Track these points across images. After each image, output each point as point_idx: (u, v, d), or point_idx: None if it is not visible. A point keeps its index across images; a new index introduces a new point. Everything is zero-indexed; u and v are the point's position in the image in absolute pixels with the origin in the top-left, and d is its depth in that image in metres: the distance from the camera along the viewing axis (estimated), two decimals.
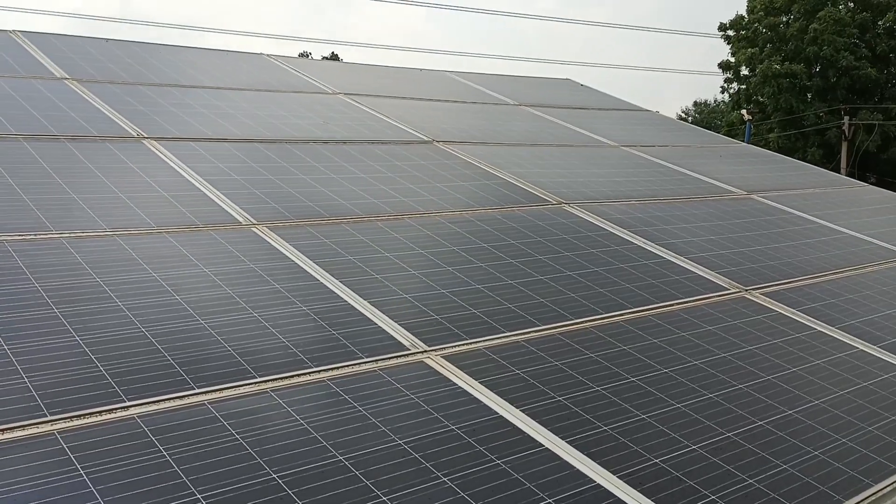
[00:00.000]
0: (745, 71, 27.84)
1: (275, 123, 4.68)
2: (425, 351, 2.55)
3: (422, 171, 4.42)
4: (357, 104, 5.55)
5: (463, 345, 2.63)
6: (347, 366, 2.37)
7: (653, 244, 3.98)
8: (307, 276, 2.90)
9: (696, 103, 63.36)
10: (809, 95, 26.44)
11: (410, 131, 5.17)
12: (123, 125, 4.01)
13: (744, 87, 27.98)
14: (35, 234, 2.77)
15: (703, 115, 59.88)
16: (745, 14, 28.03)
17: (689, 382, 2.68)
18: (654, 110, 8.23)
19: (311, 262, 3.02)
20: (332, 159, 4.27)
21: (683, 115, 64.44)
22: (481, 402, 2.32)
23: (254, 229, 3.20)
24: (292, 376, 2.25)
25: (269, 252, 3.03)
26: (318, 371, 2.31)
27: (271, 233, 3.20)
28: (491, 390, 2.39)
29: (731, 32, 28.43)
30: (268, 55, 6.35)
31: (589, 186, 4.80)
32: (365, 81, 6.39)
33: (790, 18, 26.76)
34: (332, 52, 53.84)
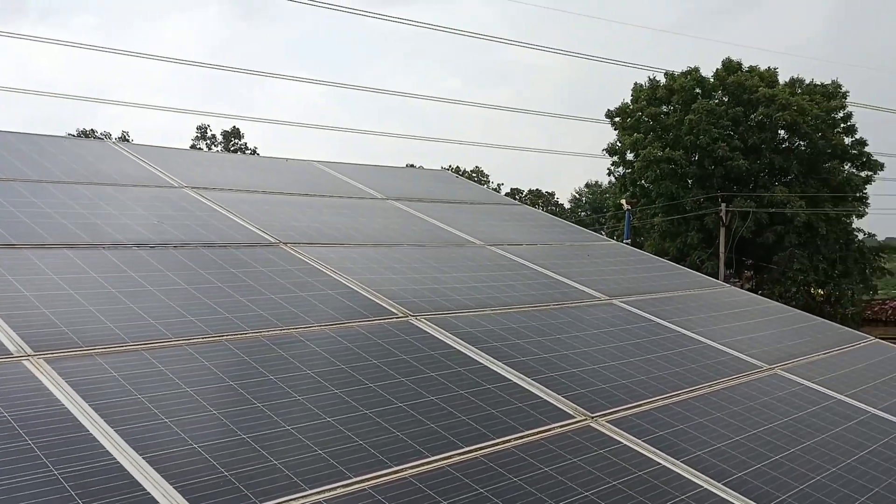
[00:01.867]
0: (629, 156, 28.99)
1: (98, 224, 4.24)
2: None
3: (257, 279, 4.06)
4: (203, 199, 5.18)
5: None
6: None
7: (500, 363, 3.73)
8: (75, 425, 2.47)
9: (587, 185, 65.83)
10: (690, 182, 27.68)
11: (257, 231, 4.82)
12: None
13: (629, 171, 29.08)
14: None
15: (595, 196, 62.16)
16: (629, 102, 29.38)
17: None
18: (550, 192, 8.19)
19: (85, 404, 2.59)
20: (153, 267, 3.86)
21: (577, 195, 66.73)
22: None
23: (24, 362, 2.75)
24: None
25: (34, 393, 2.58)
26: None
27: (46, 366, 2.75)
28: None
29: (617, 119, 29.68)
30: (112, 142, 5.92)
31: (443, 294, 4.55)
32: (219, 172, 6.03)
33: (670, 109, 28.19)
34: (234, 127, 53.24)
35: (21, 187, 4.47)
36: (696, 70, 28.10)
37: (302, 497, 2.37)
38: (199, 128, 52.62)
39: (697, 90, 27.52)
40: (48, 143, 5.44)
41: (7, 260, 3.51)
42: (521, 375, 3.65)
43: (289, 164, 7.00)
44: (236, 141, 50.27)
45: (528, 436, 3.10)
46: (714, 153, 25.80)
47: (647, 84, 28.82)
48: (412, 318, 4.07)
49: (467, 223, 6.43)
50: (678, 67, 28.32)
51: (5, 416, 2.42)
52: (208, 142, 50.67)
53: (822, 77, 33.54)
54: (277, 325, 3.58)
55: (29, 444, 2.32)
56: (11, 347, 2.82)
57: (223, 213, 5.02)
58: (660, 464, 3.11)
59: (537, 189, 63.77)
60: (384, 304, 4.16)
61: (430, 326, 4.00)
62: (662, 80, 28.19)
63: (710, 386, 4.08)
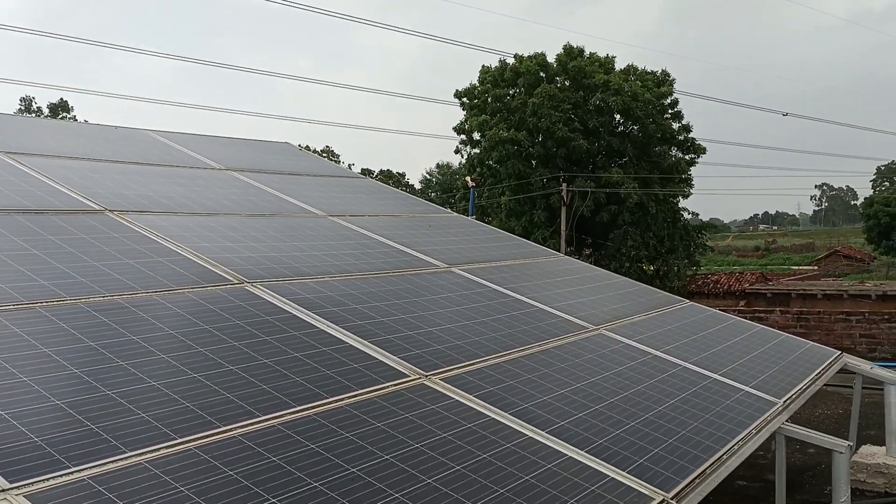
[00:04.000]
0: (477, 136, 29.63)
1: None
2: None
3: (79, 247, 3.84)
4: (18, 165, 4.82)
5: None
6: None
7: (337, 327, 3.74)
8: None
9: (438, 165, 66.62)
10: (535, 162, 28.68)
11: (78, 198, 4.55)
12: None
13: (476, 151, 29.73)
14: None
15: (445, 177, 63.01)
16: (477, 84, 29.96)
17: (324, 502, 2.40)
18: (401, 172, 8.20)
19: None
20: None
21: (428, 176, 67.38)
22: None
23: None
24: None
25: None
26: None
27: None
28: None
29: (465, 100, 30.20)
30: None
31: (281, 262, 4.49)
32: (38, 138, 5.63)
33: (516, 91, 29.02)
34: (61, 99, 49.53)
35: None
36: (542, 55, 29.08)
37: (122, 459, 2.29)
38: (22, 99, 48.66)
39: (542, 74, 28.49)
40: None
41: None
42: (358, 338, 3.68)
43: (119, 131, 6.64)
44: (65, 115, 46.91)
45: (361, 394, 3.13)
46: (555, 135, 26.86)
47: (496, 67, 29.49)
48: (248, 284, 3.99)
49: (309, 194, 6.36)
50: (525, 52, 29.18)
51: None
52: (34, 115, 47.00)
53: (654, 66, 35.63)
54: (100, 293, 3.41)
55: None
56: None
57: (41, 179, 4.70)
58: (488, 416, 3.24)
59: (388, 169, 63.86)
60: (218, 272, 4.05)
61: (266, 293, 3.95)
62: (512, 62, 28.93)
63: (540, 346, 4.28)
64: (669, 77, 29.01)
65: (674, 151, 29.27)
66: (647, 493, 2.92)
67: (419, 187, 64.53)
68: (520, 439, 3.11)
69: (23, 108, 46.95)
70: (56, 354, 2.80)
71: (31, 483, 2.08)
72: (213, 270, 4.06)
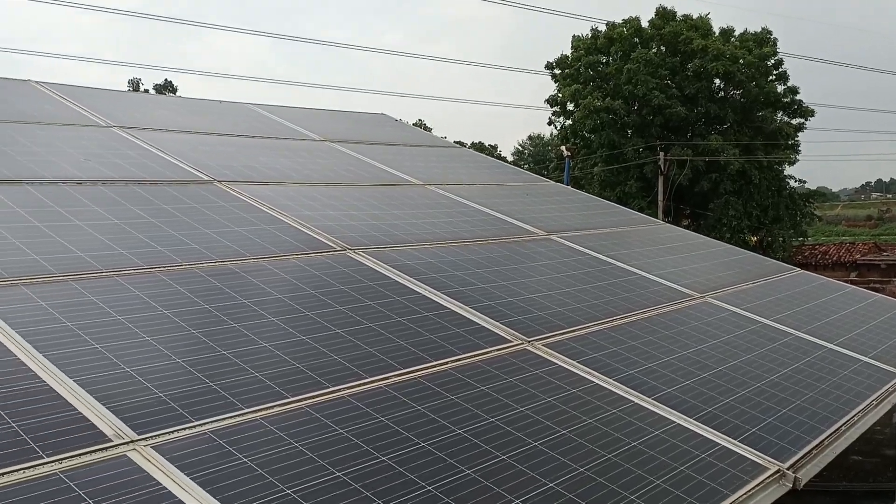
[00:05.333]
0: (570, 106, 29.10)
1: (19, 160, 4.09)
2: (195, 424, 2.14)
3: (191, 216, 3.99)
4: (132, 139, 5.03)
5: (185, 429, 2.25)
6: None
7: (438, 293, 3.76)
8: (2, 350, 2.41)
9: (530, 137, 65.96)
10: (630, 132, 27.98)
11: (189, 170, 4.72)
12: None
13: (569, 121, 29.22)
14: None
15: (538, 148, 62.37)
16: (568, 54, 29.38)
17: (432, 464, 2.42)
18: (493, 144, 8.18)
19: (14, 332, 2.52)
20: (82, 203, 3.76)
21: (520, 147, 66.85)
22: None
23: None
24: None
25: None
26: None
27: None
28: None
29: (557, 70, 29.68)
30: (35, 82, 5.68)
31: (381, 230, 4.54)
32: (150, 113, 5.86)
33: (609, 59, 28.31)
34: (166, 80, 51.51)
35: None
36: (636, 20, 28.21)
37: (240, 415, 2.38)
38: (130, 81, 50.85)
39: (636, 40, 27.64)
40: None
41: None
42: (459, 304, 3.69)
43: (223, 106, 6.84)
44: (169, 95, 48.79)
45: (465, 358, 3.14)
46: (651, 102, 26.08)
47: (588, 35, 28.82)
48: (350, 251, 4.06)
49: (406, 164, 6.40)
50: (619, 19, 28.38)
51: None
52: None
53: (751, 26, 34.00)
54: (212, 259, 3.54)
55: None
56: None
57: (154, 152, 4.89)
58: (593, 382, 3.20)
59: (480, 142, 63.64)
60: (322, 239, 4.13)
61: (367, 259, 4.00)
62: (604, 29, 28.22)
63: (643, 313, 4.19)
64: (771, 36, 27.61)
65: (779, 115, 27.94)
66: (761, 462, 2.82)
67: (511, 159, 64.13)
68: (626, 405, 3.06)
69: (131, 89, 49.07)
70: (175, 316, 2.92)
71: (158, 435, 2.18)
72: (317, 238, 4.14)
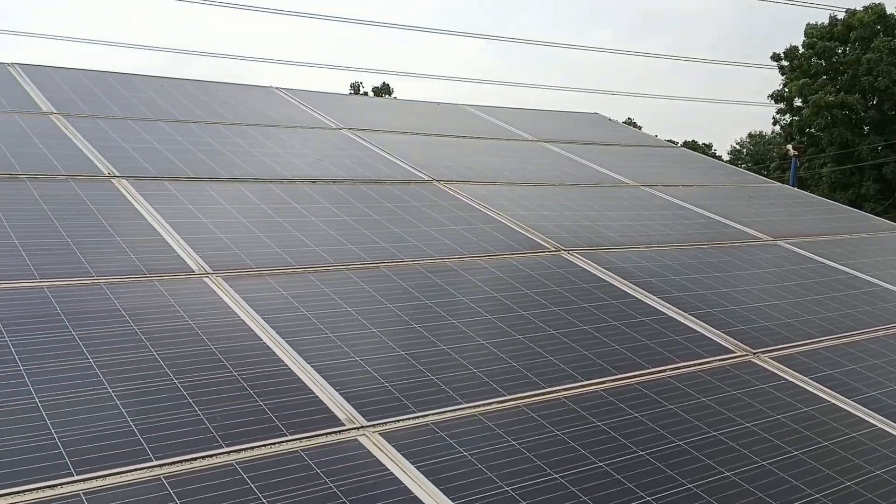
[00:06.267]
0: (798, 102, 27.09)
1: (264, 161, 4.49)
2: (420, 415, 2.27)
3: (413, 214, 4.17)
4: (359, 140, 5.35)
5: (409, 419, 2.35)
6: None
7: (654, 297, 3.65)
8: (250, 335, 2.65)
9: (750, 135, 62.16)
10: (866, 129, 25.54)
11: (410, 169, 4.93)
12: (97, 163, 3.86)
13: (796, 118, 27.20)
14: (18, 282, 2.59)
15: (759, 147, 58.64)
16: (798, 45, 27.34)
17: (651, 475, 2.34)
18: (706, 143, 7.86)
19: (260, 318, 2.77)
20: (315, 201, 4.05)
21: (738, 146, 63.22)
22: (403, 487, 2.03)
23: (205, 279, 2.98)
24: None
25: (215, 306, 2.79)
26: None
27: (224, 283, 2.97)
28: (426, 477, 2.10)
29: (784, 63, 27.75)
30: (276, 88, 6.21)
31: (595, 231, 4.48)
32: (374, 116, 6.19)
33: (846, 48, 26.00)
34: (383, 83, 54.34)
35: (196, 128, 4.79)
36: (880, 6, 25.65)
37: (459, 409, 2.45)
38: (351, 85, 54.19)
39: (879, 27, 25.13)
40: (216, 89, 5.78)
41: (188, 191, 3.79)
42: (677, 310, 3.55)
43: (440, 107, 7.08)
44: (391, 98, 51.39)
45: (684, 367, 3.02)
46: (894, 96, 23.61)
47: (825, 23, 26.63)
48: (564, 252, 4.04)
49: (620, 164, 6.27)
50: (860, 6, 25.93)
51: (190, 325, 2.64)
52: None
53: None
54: (433, 256, 3.67)
55: (211, 348, 2.52)
56: (194, 266, 3.06)
57: (379, 152, 5.16)
58: (828, 401, 2.95)
59: (692, 141, 60.96)
60: (536, 239, 4.15)
61: (581, 260, 3.96)
62: (843, 16, 25.94)
63: (886, 329, 3.80)
64: None
65: None
66: None
67: (726, 159, 60.83)
68: (868, 429, 2.79)
69: (352, 92, 52.24)
70: (398, 310, 3.06)
71: (385, 423, 2.30)
72: (531, 238, 4.17)
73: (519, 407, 2.53)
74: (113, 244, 3.10)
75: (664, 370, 2.96)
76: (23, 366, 2.22)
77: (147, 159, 4.07)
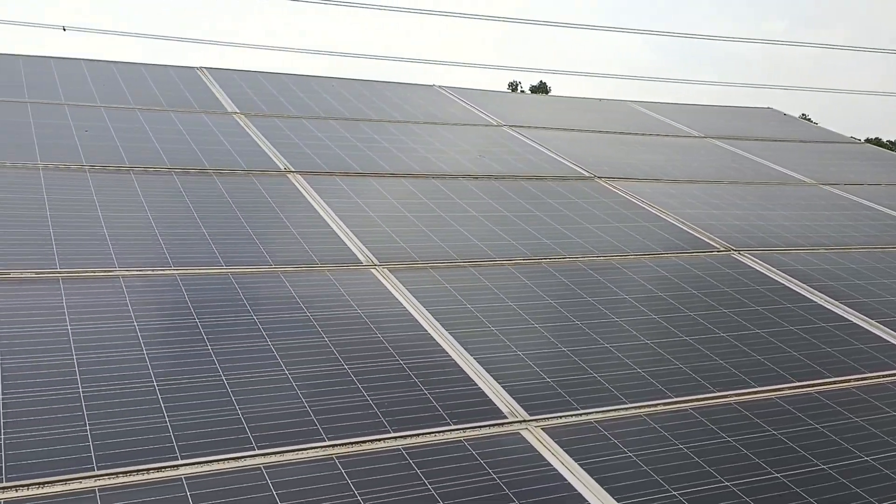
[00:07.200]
0: None
1: (428, 157, 4.58)
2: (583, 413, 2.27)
3: (574, 210, 4.11)
4: (520, 136, 5.35)
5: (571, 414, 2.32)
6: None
7: (836, 302, 3.40)
8: (415, 325, 2.72)
9: None
10: None
11: (571, 166, 4.88)
12: (274, 159, 4.09)
13: None
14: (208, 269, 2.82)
15: None
16: None
17: (832, 491, 2.17)
18: (892, 141, 7.27)
19: (425, 311, 2.83)
20: (477, 196, 4.09)
21: None
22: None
23: (372, 270, 3.08)
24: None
25: (382, 297, 2.88)
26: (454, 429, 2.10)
27: (390, 275, 3.05)
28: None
29: None
30: (439, 87, 6.33)
31: (769, 231, 4.23)
32: (535, 112, 6.17)
33: None
34: (541, 81, 54.19)
35: (364, 125, 4.97)
36: None
37: (623, 408, 2.39)
38: (510, 84, 54.43)
39: None
40: (383, 88, 5.97)
41: (356, 186, 3.94)
42: (863, 316, 3.29)
43: (602, 104, 6.95)
44: (549, 95, 51.10)
45: (872, 378, 2.79)
46: None
47: None
48: (734, 252, 3.85)
49: (796, 161, 5.89)
50: None
51: (359, 313, 2.74)
52: None
53: None
54: (594, 253, 3.61)
55: (378, 337, 2.60)
56: (362, 258, 3.18)
57: (540, 148, 5.14)
58: None
59: (876, 138, 56.39)
60: (703, 238, 3.98)
61: (754, 261, 3.76)
62: None
63: None
64: None
65: None
66: None
67: None
68: None
69: (511, 90, 52.45)
70: (560, 306, 3.03)
71: (547, 418, 2.28)
72: (698, 237, 4.00)
73: (687, 410, 2.43)
74: (288, 235, 3.28)
75: (848, 380, 2.75)
76: (211, 346, 2.39)
77: (319, 155, 4.27)
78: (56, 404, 2.01)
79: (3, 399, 1.99)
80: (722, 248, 3.88)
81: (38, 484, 1.73)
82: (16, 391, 2.03)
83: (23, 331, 2.30)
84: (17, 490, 1.70)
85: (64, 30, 17.70)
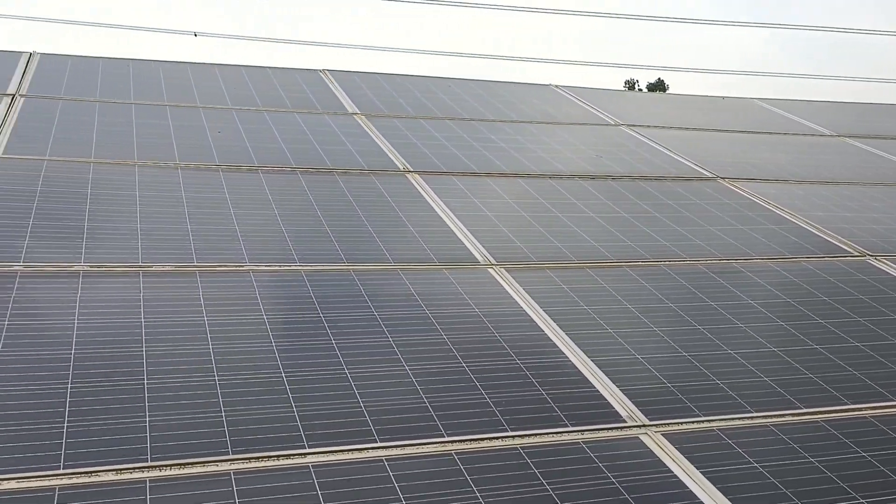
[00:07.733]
0: None
1: (544, 157, 4.57)
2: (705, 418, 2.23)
3: (695, 211, 4.00)
4: (638, 136, 5.24)
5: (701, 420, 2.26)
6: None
7: None
8: (532, 325, 2.72)
9: None
10: None
11: (692, 166, 4.74)
12: (393, 159, 4.18)
13: None
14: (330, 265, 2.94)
15: None
16: None
17: None
18: None
19: (542, 311, 2.83)
20: (594, 196, 4.04)
21: None
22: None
23: (489, 270, 3.10)
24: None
25: (499, 296, 2.90)
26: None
27: (507, 275, 3.07)
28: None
29: None
30: (555, 86, 6.28)
31: None
32: (654, 111, 6.04)
33: None
34: (658, 78, 52.85)
35: (480, 125, 5.01)
36: None
37: (748, 417, 2.31)
38: (626, 82, 53.32)
39: None
40: (499, 88, 5.98)
41: (472, 185, 3.97)
42: None
43: (725, 102, 6.72)
44: (668, 93, 49.84)
45: None
46: None
47: None
48: (870, 257, 3.64)
49: None
50: None
51: (476, 312, 2.76)
52: None
53: None
54: (716, 255, 3.50)
55: (496, 335, 2.62)
56: (479, 257, 3.21)
57: (658, 148, 5.03)
58: None
59: None
60: (835, 242, 3.79)
61: (892, 267, 3.54)
62: None
63: None
64: None
65: None
66: None
67: None
68: None
69: (626, 89, 51.42)
70: (680, 309, 2.96)
71: (667, 423, 2.24)
72: (829, 241, 3.81)
73: (818, 422, 2.32)
74: (407, 233, 3.35)
75: None
76: (334, 340, 2.47)
77: (436, 155, 4.33)
78: (194, 391, 2.13)
79: (147, 384, 2.14)
80: (856, 253, 3.68)
81: (179, 465, 1.84)
82: (159, 377, 2.17)
83: (166, 320, 2.45)
84: (160, 470, 1.82)
85: (195, 35, 18.64)
